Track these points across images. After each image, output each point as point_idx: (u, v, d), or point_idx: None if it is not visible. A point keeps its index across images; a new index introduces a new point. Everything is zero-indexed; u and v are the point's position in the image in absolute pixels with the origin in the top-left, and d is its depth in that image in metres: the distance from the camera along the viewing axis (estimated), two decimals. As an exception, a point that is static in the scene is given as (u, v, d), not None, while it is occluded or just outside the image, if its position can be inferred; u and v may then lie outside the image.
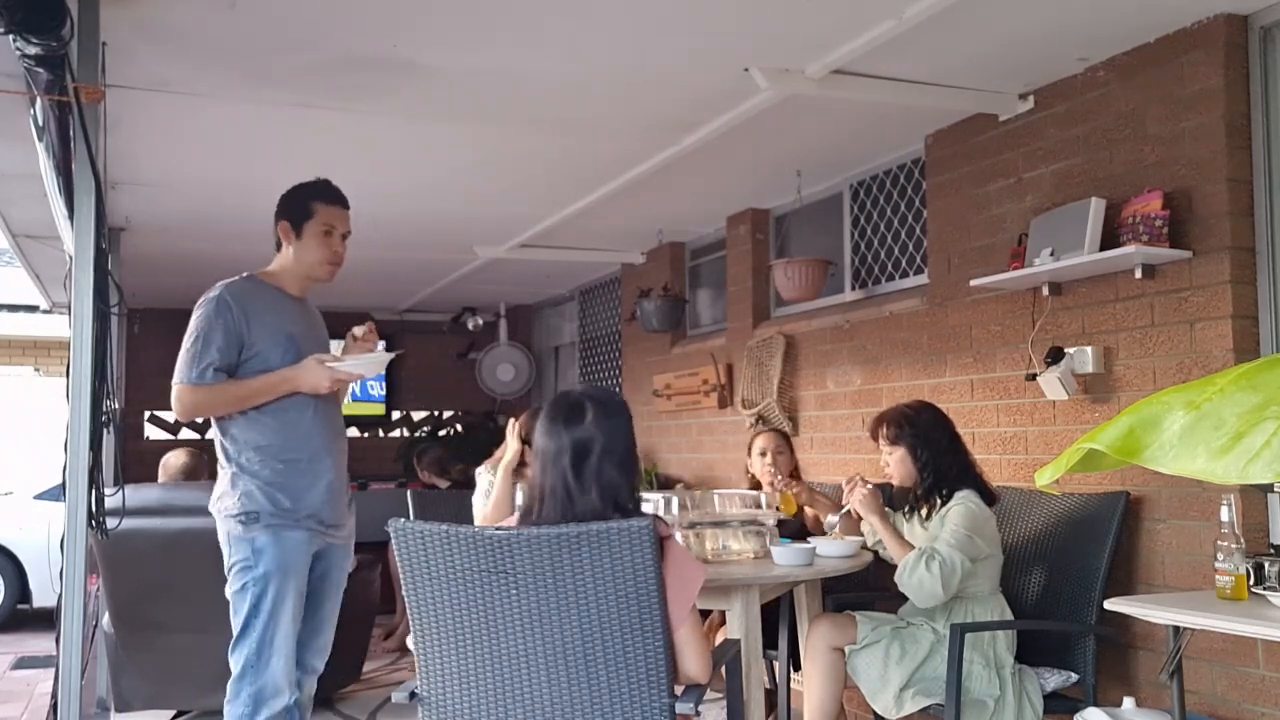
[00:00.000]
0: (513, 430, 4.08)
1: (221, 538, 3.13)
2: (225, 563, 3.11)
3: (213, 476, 3.35)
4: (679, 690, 2.33)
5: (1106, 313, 3.64)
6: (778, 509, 3.83)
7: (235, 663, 3.08)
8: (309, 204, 3.25)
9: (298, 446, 3.15)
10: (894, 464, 3.55)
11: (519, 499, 3.98)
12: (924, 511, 3.53)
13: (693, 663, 2.36)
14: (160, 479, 5.25)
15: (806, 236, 5.70)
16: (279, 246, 3.30)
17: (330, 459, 3.22)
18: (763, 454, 4.51)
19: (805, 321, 5.41)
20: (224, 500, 3.12)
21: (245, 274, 3.26)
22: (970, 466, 3.54)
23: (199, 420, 3.23)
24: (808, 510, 4.41)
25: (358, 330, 3.34)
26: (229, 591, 3.10)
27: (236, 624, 3.08)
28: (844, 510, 3.71)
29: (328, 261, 3.27)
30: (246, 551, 3.06)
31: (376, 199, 5.54)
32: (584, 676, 2.27)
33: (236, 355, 3.10)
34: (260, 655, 3.04)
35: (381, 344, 3.44)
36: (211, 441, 3.27)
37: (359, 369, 3.21)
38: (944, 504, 3.43)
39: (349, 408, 9.46)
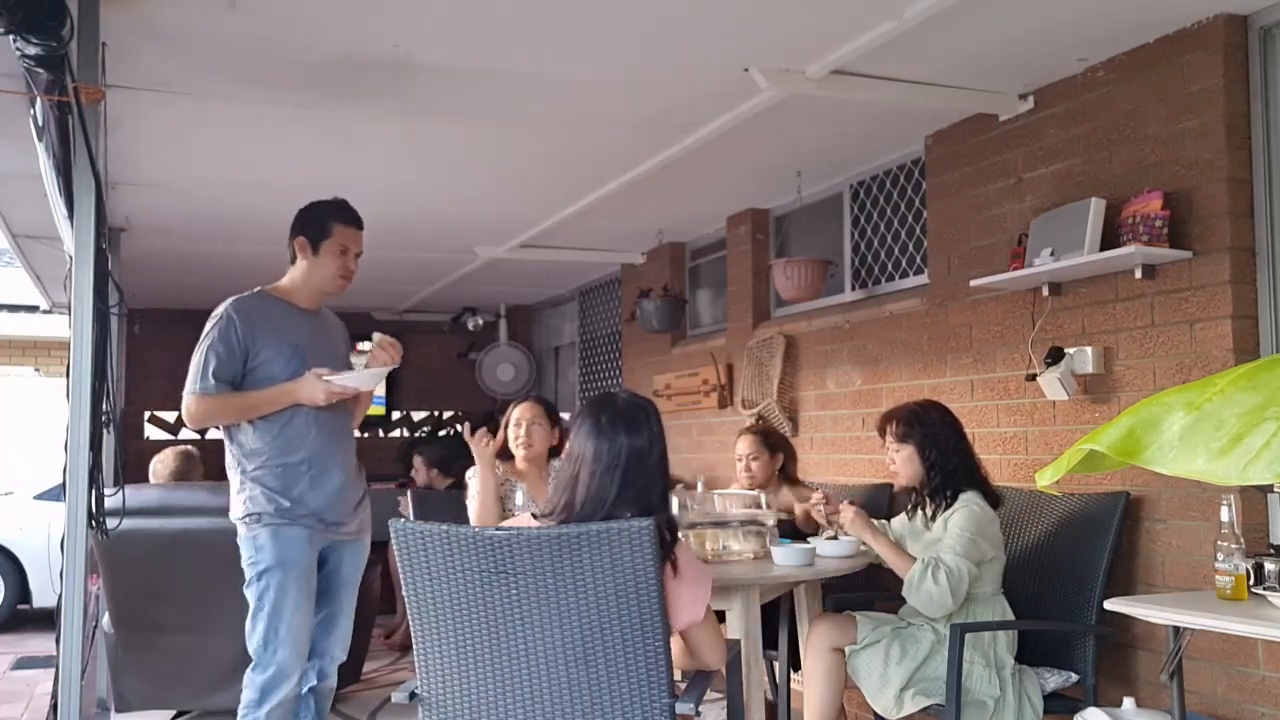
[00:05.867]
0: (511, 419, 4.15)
1: (238, 539, 3.32)
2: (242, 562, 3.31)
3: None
4: (680, 688, 2.34)
5: (1106, 313, 3.64)
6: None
7: (250, 652, 3.25)
8: (328, 223, 3.41)
9: (296, 452, 3.30)
10: (900, 462, 3.55)
11: (519, 498, 3.99)
12: (928, 512, 3.52)
13: (713, 653, 2.52)
14: (150, 483, 5.24)
15: (806, 236, 5.70)
16: (292, 260, 3.45)
17: (332, 462, 3.37)
18: (739, 459, 4.52)
19: (805, 321, 5.41)
20: (234, 504, 3.32)
21: (256, 289, 3.42)
22: (976, 468, 3.53)
23: (211, 427, 3.45)
24: (796, 507, 4.40)
25: (372, 342, 3.46)
26: (245, 590, 3.28)
27: (249, 616, 3.26)
28: (830, 534, 3.69)
29: (339, 276, 3.44)
30: (251, 550, 3.26)
31: (377, 199, 5.54)
32: (584, 676, 2.27)
33: (241, 366, 3.28)
34: (267, 646, 3.21)
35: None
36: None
37: (354, 383, 3.34)
38: (948, 505, 3.43)
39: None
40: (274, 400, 3.28)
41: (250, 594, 3.25)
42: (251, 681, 3.23)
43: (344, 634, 3.47)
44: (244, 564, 3.28)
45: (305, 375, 3.26)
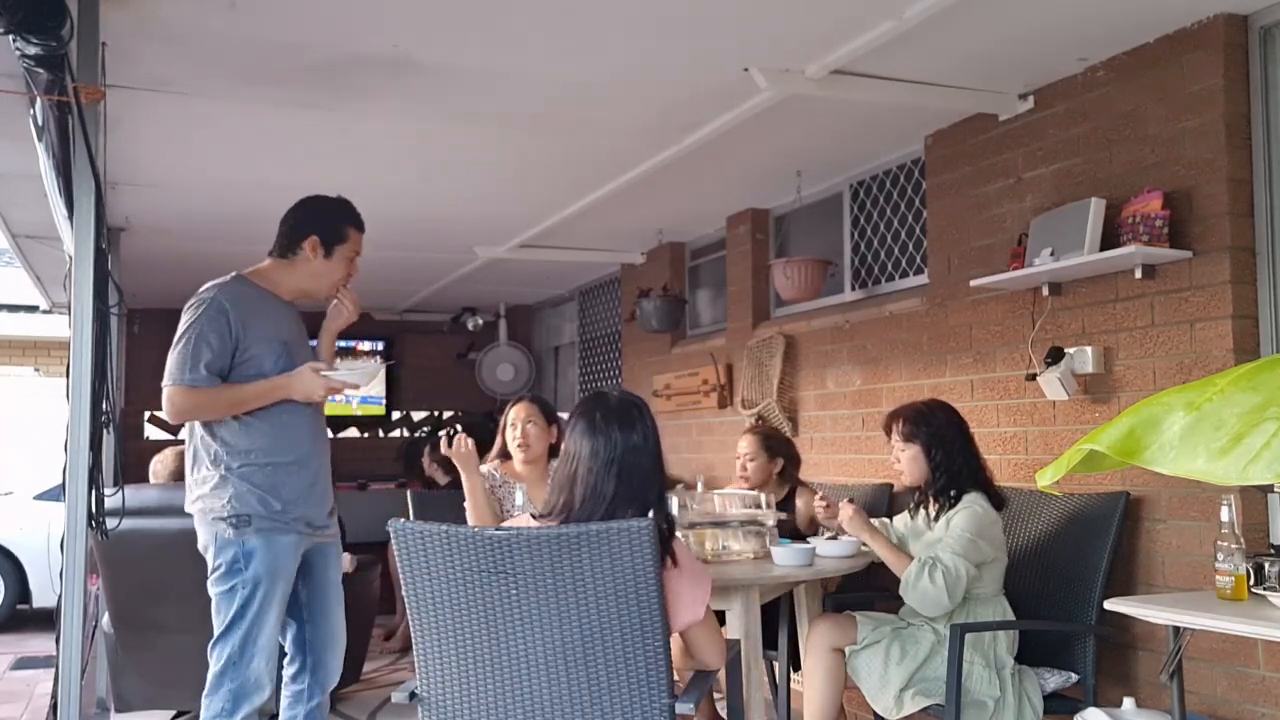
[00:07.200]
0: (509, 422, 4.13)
1: (206, 538, 3.12)
2: (210, 562, 3.10)
3: None
4: (680, 688, 2.34)
5: (1106, 313, 3.64)
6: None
7: (216, 659, 3.07)
8: (344, 227, 3.28)
9: (287, 450, 3.15)
10: (905, 461, 3.54)
11: (519, 498, 3.99)
12: (931, 511, 3.52)
13: (712, 653, 2.54)
14: (150, 483, 5.24)
15: (806, 236, 5.70)
16: (286, 252, 3.27)
17: (317, 461, 3.25)
18: (738, 457, 4.51)
19: (805, 321, 5.41)
20: (210, 501, 3.09)
21: (233, 274, 3.23)
22: (981, 469, 3.52)
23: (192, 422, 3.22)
24: (800, 508, 4.39)
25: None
26: (214, 590, 3.09)
27: (220, 622, 3.07)
28: (830, 536, 3.69)
29: (343, 284, 3.31)
30: (236, 553, 3.06)
31: (377, 199, 5.53)
32: (584, 676, 2.27)
33: (230, 359, 3.09)
34: (244, 653, 3.04)
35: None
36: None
37: (353, 378, 3.22)
38: (952, 506, 3.42)
39: (348, 409, 9.52)
40: (266, 395, 3.10)
41: (230, 598, 3.05)
42: (220, 689, 3.04)
43: (342, 643, 3.35)
44: (220, 565, 3.07)
45: (301, 369, 3.13)
